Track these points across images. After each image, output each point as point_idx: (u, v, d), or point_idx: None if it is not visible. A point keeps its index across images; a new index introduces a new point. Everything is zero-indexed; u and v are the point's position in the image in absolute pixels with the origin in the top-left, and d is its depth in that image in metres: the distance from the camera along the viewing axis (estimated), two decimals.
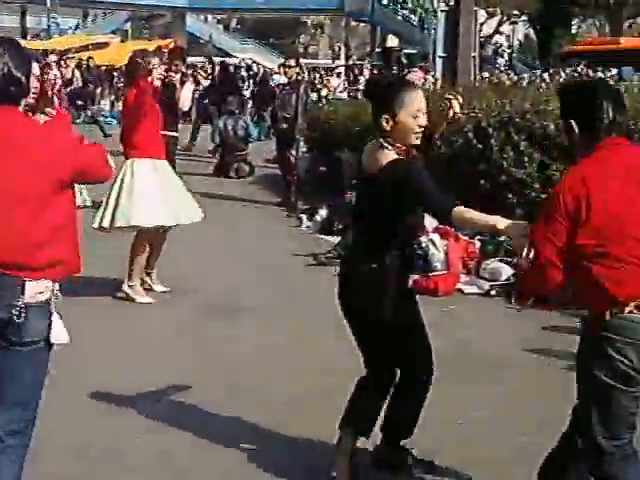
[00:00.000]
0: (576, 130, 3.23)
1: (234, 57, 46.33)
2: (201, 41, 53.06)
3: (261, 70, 28.90)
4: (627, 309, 3.07)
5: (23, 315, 3.20)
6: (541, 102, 9.37)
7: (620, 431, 3.20)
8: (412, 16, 40.33)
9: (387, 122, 3.81)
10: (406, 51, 29.05)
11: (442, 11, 14.62)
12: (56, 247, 3.24)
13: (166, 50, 13.66)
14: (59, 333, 3.35)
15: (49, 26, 42.84)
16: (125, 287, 7.34)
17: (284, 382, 5.42)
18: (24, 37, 38.67)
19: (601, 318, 3.11)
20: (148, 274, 7.63)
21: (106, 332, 6.42)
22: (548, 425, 4.11)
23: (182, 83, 10.22)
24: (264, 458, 4.40)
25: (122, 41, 37.19)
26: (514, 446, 4.46)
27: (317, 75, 28.12)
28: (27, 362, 3.30)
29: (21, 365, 3.29)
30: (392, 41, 33.42)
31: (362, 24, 52.73)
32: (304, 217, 10.88)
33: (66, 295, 3.38)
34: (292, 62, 11.80)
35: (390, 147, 3.79)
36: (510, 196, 8.39)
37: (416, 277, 6.64)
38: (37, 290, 3.22)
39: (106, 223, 7.12)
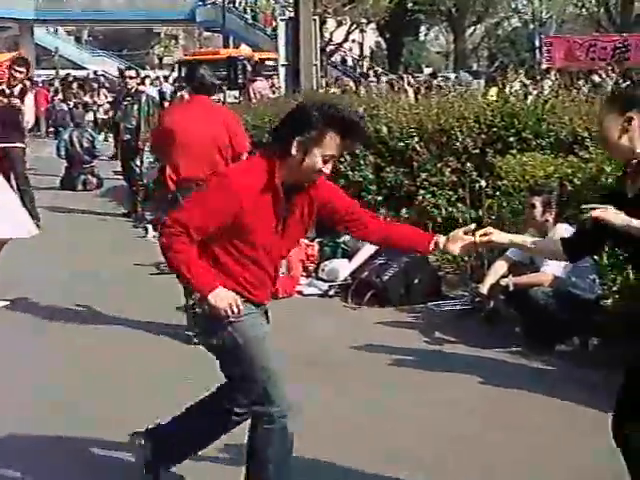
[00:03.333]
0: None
1: (85, 69, 45.61)
2: (52, 53, 51.85)
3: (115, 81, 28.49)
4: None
5: None
6: (374, 107, 9.71)
7: None
8: (255, 23, 40.38)
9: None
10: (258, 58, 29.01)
11: (282, 20, 14.85)
12: None
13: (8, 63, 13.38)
14: None
15: None
16: None
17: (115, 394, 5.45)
18: None
19: None
20: None
21: None
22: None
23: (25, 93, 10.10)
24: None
25: None
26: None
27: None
28: None
29: None
30: (245, 50, 33.52)
31: (216, 34, 52.61)
32: (149, 227, 10.85)
33: None
34: (132, 73, 11.76)
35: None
36: None
37: None
38: None
39: None
